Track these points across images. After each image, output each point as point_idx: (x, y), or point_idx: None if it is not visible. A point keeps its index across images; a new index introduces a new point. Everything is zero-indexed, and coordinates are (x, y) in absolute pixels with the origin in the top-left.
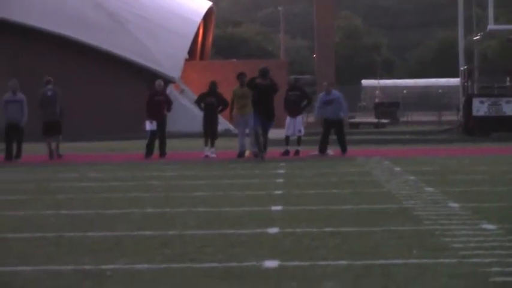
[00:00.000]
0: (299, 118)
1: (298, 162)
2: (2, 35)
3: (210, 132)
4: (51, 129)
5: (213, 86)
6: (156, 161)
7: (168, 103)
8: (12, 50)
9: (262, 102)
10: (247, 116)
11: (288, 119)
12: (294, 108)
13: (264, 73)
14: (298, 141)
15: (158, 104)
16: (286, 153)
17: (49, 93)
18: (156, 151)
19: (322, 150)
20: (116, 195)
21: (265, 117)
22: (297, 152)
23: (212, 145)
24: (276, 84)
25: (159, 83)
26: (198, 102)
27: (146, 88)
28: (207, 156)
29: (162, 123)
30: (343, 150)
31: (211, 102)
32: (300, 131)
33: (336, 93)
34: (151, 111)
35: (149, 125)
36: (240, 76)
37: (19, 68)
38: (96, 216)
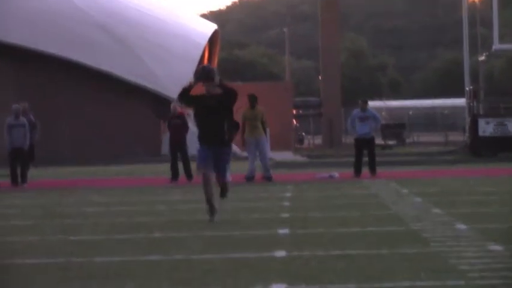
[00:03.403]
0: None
1: (304, 185)
2: (8, 59)
3: None
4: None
5: None
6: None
7: (185, 126)
8: (19, 75)
9: (209, 122)
10: (258, 138)
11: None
12: None
13: (207, 74)
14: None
15: (175, 127)
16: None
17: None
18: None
19: (358, 172)
20: (122, 220)
21: (216, 145)
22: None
23: None
24: (230, 90)
25: (173, 106)
26: None
27: (152, 112)
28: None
29: (181, 146)
30: (373, 170)
31: None
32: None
33: (371, 110)
34: (170, 134)
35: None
36: (251, 98)
37: (26, 93)
38: (104, 241)
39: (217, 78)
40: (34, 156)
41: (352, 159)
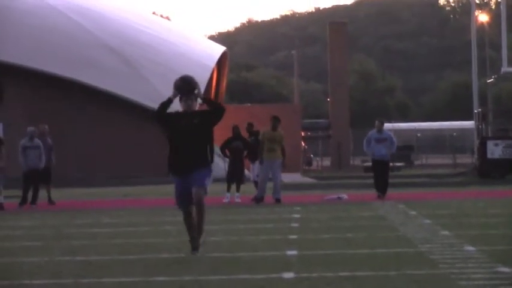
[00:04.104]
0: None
1: (313, 207)
2: (16, 80)
3: (237, 177)
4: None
5: (236, 129)
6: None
7: None
8: (26, 96)
9: (188, 144)
10: (272, 161)
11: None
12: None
13: (188, 85)
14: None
15: None
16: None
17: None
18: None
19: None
20: (130, 241)
21: (194, 171)
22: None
23: (238, 190)
24: (218, 105)
25: None
26: (223, 147)
27: (162, 134)
28: (229, 201)
29: None
30: (384, 192)
31: (238, 146)
32: (257, 175)
33: (388, 132)
34: None
35: None
36: (274, 120)
37: (34, 113)
38: (112, 262)
39: (199, 91)
40: (51, 179)
41: (360, 180)
